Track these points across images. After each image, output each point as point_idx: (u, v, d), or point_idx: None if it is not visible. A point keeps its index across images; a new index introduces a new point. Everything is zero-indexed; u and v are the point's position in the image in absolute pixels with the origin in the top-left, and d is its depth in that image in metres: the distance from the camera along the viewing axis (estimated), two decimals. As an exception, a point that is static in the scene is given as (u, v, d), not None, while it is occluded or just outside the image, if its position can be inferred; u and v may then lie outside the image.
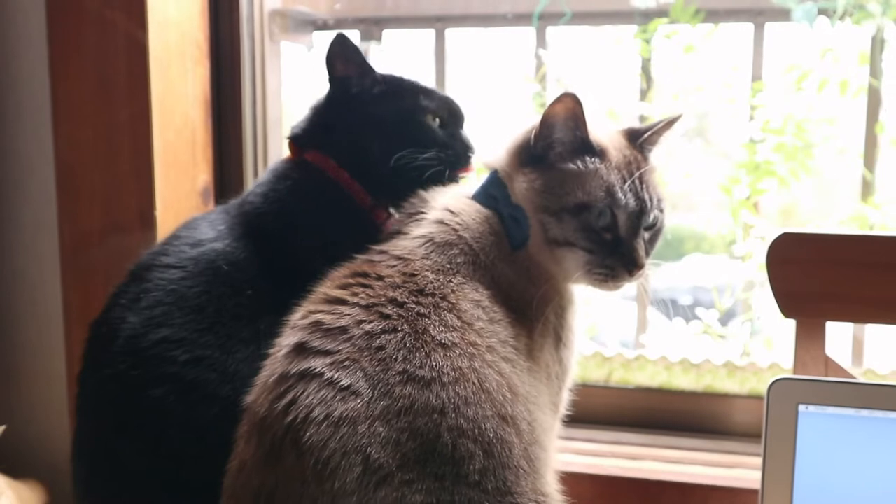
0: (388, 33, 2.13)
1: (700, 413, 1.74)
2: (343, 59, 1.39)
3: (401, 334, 1.06)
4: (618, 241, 1.22)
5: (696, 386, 1.77)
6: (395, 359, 1.04)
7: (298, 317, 1.13)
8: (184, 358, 1.18)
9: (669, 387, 1.77)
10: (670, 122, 1.31)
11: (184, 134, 1.73)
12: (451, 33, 2.09)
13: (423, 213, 1.25)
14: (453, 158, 1.36)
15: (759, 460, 1.59)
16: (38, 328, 1.82)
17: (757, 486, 1.48)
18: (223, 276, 1.25)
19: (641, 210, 1.23)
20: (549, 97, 2.06)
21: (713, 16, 1.99)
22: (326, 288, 1.15)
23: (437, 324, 1.08)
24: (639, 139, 1.30)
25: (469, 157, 1.38)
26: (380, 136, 1.36)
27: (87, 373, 1.26)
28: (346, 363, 1.04)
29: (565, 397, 1.26)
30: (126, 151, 1.67)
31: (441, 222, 1.22)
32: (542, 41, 2.06)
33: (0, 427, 1.56)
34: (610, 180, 1.22)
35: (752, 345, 2.02)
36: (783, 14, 1.93)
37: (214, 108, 1.83)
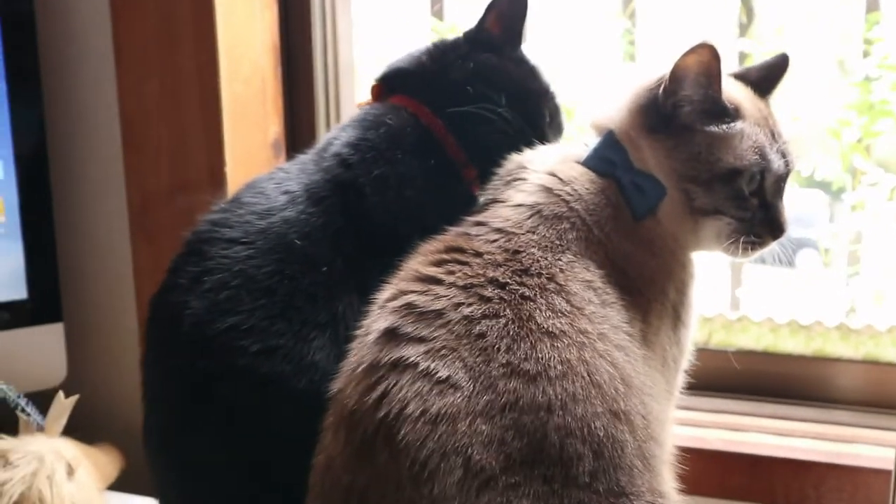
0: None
1: (810, 379, 1.59)
2: (500, 17, 1.27)
3: (503, 320, 0.94)
4: (765, 205, 1.09)
5: (806, 349, 1.62)
6: (498, 348, 0.92)
7: (387, 296, 1.01)
8: (255, 348, 1.05)
9: (775, 350, 1.63)
10: (784, 65, 1.17)
11: (253, 83, 1.61)
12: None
13: (523, 178, 1.11)
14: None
15: (877, 434, 1.48)
16: (108, 289, 1.74)
17: (879, 464, 1.36)
18: (296, 253, 1.11)
19: (788, 171, 1.10)
20: (639, 34, 1.89)
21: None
22: (418, 264, 1.03)
23: (543, 308, 0.95)
24: (765, 88, 1.15)
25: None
26: (494, 99, 1.23)
27: (150, 360, 1.15)
28: (443, 352, 0.92)
29: (681, 381, 1.12)
30: (193, 104, 1.55)
31: (549, 191, 1.07)
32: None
33: (72, 397, 1.48)
34: (759, 141, 1.08)
35: (859, 301, 1.86)
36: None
37: (284, 54, 1.70)
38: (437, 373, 0.90)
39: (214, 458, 1.08)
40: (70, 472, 1.42)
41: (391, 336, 0.96)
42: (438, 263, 1.01)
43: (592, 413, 0.90)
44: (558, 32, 1.92)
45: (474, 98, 1.23)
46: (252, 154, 1.61)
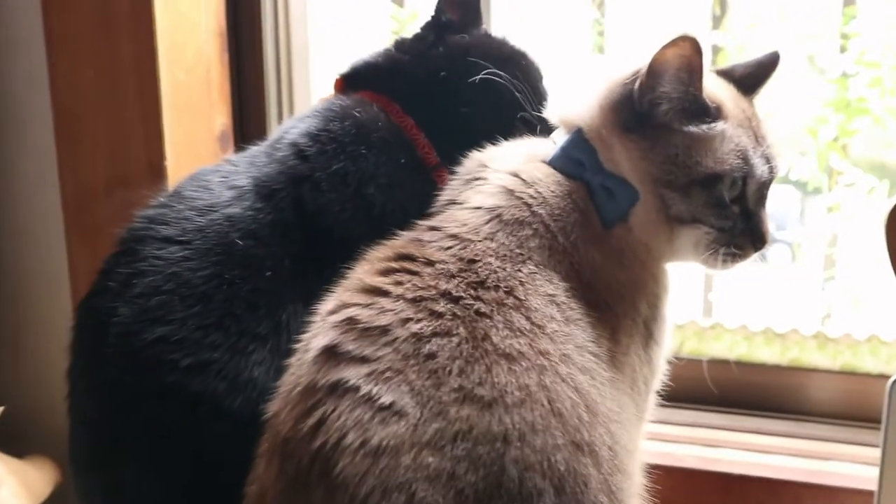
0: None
1: (785, 390, 1.51)
2: (455, 2, 1.20)
3: (456, 339, 0.84)
4: (747, 214, 1.00)
5: (781, 359, 1.54)
6: (449, 371, 0.82)
7: (329, 308, 0.90)
8: (186, 363, 0.95)
9: (750, 359, 1.54)
10: (773, 63, 1.07)
11: (197, 72, 1.50)
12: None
13: (483, 177, 1.00)
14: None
15: (856, 449, 1.40)
16: (43, 291, 1.62)
17: (859, 483, 1.29)
18: (238, 254, 1.00)
19: (772, 177, 1.01)
20: (609, 25, 1.80)
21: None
22: (363, 273, 0.92)
23: (500, 327, 0.85)
24: (750, 87, 1.05)
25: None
26: (468, 96, 1.15)
27: (75, 373, 1.04)
28: (387, 374, 0.82)
29: (652, 403, 1.03)
30: (131, 93, 1.43)
31: (510, 193, 0.97)
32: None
33: (-3, 408, 1.37)
34: (742, 144, 0.98)
35: (835, 306, 1.78)
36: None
37: (231, 41, 1.58)
38: (379, 398, 0.80)
39: (142, 483, 0.97)
40: (-8, 491, 1.31)
41: (330, 355, 0.85)
42: (386, 273, 0.91)
43: (553, 445, 0.81)
44: (523, 21, 1.82)
45: (459, 80, 1.14)
46: (196, 146, 1.49)
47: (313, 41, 1.67)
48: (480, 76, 1.12)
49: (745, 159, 0.98)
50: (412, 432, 0.79)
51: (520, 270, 0.91)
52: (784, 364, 1.53)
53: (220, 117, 1.55)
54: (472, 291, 0.87)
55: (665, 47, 0.94)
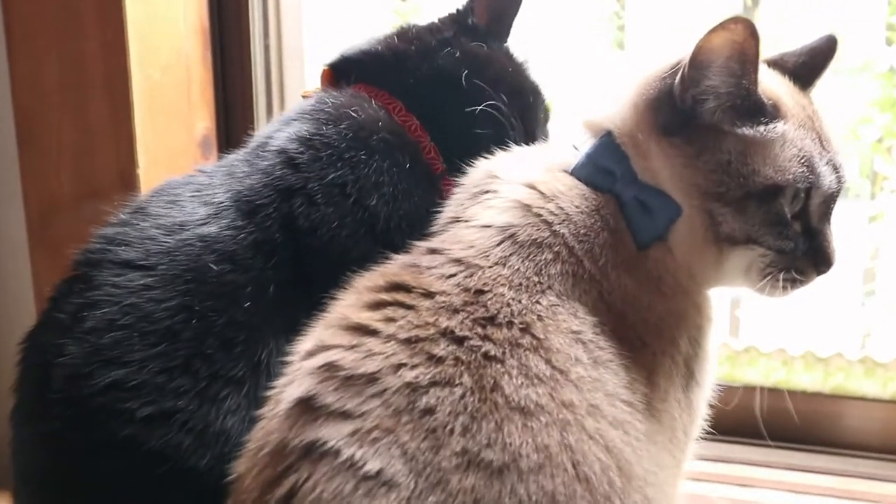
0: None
1: (828, 420, 1.34)
2: (491, 7, 1.05)
3: (459, 390, 0.68)
4: (810, 232, 0.83)
5: (823, 386, 1.37)
6: (451, 430, 0.66)
7: (306, 349, 0.74)
8: (144, 413, 0.79)
9: (788, 386, 1.37)
10: (831, 49, 0.90)
11: (174, 71, 1.34)
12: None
13: (493, 190, 0.84)
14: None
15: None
16: (4, 309, 1.46)
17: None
18: (212, 282, 0.84)
19: (839, 187, 0.84)
20: (630, 18, 1.63)
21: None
22: (348, 307, 0.76)
23: (514, 374, 0.69)
24: (807, 79, 0.88)
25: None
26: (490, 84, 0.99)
27: (18, 419, 0.87)
28: (374, 434, 0.66)
29: (691, 454, 0.86)
30: (98, 93, 1.28)
31: (526, 208, 0.80)
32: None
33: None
34: (806, 149, 0.81)
35: (876, 324, 1.61)
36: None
37: (215, 38, 1.42)
38: (364, 464, 0.65)
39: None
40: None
41: (306, 408, 0.69)
42: (375, 306, 0.75)
43: (580, 519, 0.65)
44: (537, 15, 1.66)
45: (467, 91, 0.98)
46: (174, 153, 1.34)
47: (308, 37, 1.51)
48: (480, 108, 0.97)
49: (811, 167, 0.81)
50: (405, 509, 0.63)
51: (538, 303, 0.75)
52: (827, 392, 1.36)
53: (202, 121, 1.40)
54: (479, 330, 0.71)
55: (712, 32, 0.78)
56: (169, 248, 0.86)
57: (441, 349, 0.70)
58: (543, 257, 0.77)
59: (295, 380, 0.72)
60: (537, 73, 1.04)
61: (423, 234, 0.85)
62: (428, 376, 0.68)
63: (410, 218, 0.90)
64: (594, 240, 0.79)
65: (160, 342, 0.81)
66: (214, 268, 0.85)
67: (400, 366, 0.69)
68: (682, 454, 0.82)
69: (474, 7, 1.04)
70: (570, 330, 0.74)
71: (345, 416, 0.67)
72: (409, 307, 0.73)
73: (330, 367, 0.70)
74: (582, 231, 0.79)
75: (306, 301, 0.82)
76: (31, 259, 1.36)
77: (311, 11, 1.53)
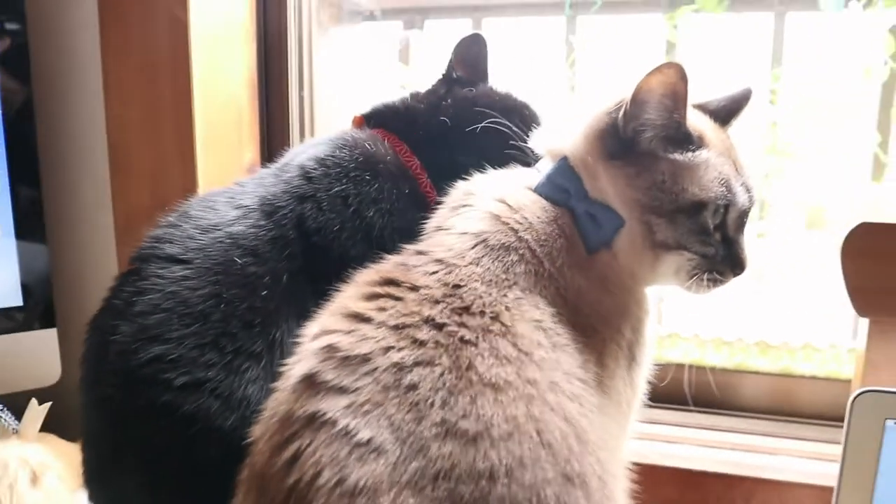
0: (429, 23, 1.59)
1: (731, 390, 1.23)
2: (463, 60, 0.92)
3: (439, 369, 0.57)
4: (727, 241, 0.72)
5: (728, 363, 1.25)
6: (432, 403, 0.55)
7: (313, 333, 0.63)
8: (180, 382, 0.68)
9: (702, 364, 1.25)
10: (746, 98, 0.79)
11: (228, 112, 1.23)
12: (488, 22, 1.56)
13: (469, 204, 0.73)
14: None
15: (791, 443, 1.12)
16: (99, 297, 1.34)
17: (807, 478, 1.01)
18: (236, 273, 0.73)
19: (751, 205, 0.73)
20: (578, 82, 1.52)
21: (737, 4, 1.44)
22: (348, 298, 0.65)
23: (486, 355, 0.58)
24: (725, 119, 0.77)
25: None
26: (471, 145, 0.86)
27: (83, 387, 0.76)
28: (366, 407, 0.55)
29: (633, 423, 0.75)
30: (170, 130, 1.16)
31: (496, 219, 0.70)
32: (572, 29, 1.51)
33: (45, 404, 1.10)
34: (725, 172, 0.71)
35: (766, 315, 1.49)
36: (806, 4, 1.37)
37: (262, 89, 1.31)
38: (357, 433, 0.53)
39: (137, 501, 0.70)
40: (34, 479, 1.04)
41: (309, 383, 0.58)
42: (370, 297, 0.63)
43: (543, 479, 0.54)
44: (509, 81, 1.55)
45: (454, 130, 0.87)
46: (226, 176, 1.22)
47: (333, 91, 1.40)
48: (483, 123, 0.85)
49: (728, 187, 0.71)
50: (391, 471, 0.52)
51: (506, 295, 0.63)
52: (730, 367, 1.24)
53: (249, 152, 1.28)
54: (456, 318, 0.60)
55: (649, 75, 0.67)
56: (203, 245, 0.75)
57: (424, 334, 0.59)
58: (510, 258, 0.66)
59: (302, 359, 0.61)
60: (523, 94, 0.93)
61: (413, 242, 0.73)
62: (412, 357, 0.57)
63: (402, 231, 0.78)
64: (552, 244, 0.68)
65: (194, 323, 0.70)
66: (239, 261, 0.74)
67: (389, 348, 0.58)
68: (627, 422, 0.71)
69: (454, 64, 0.92)
70: (532, 319, 0.63)
71: (341, 391, 0.56)
72: (398, 299, 0.62)
73: (330, 349, 0.59)
74: (542, 237, 0.68)
75: (314, 291, 0.71)
76: (118, 256, 1.25)
77: (336, 72, 1.43)
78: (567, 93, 1.45)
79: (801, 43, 1.43)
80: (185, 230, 0.77)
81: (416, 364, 0.56)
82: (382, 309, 0.61)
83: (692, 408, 1.18)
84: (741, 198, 0.71)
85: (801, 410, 1.19)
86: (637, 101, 0.68)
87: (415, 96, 0.94)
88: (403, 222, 0.80)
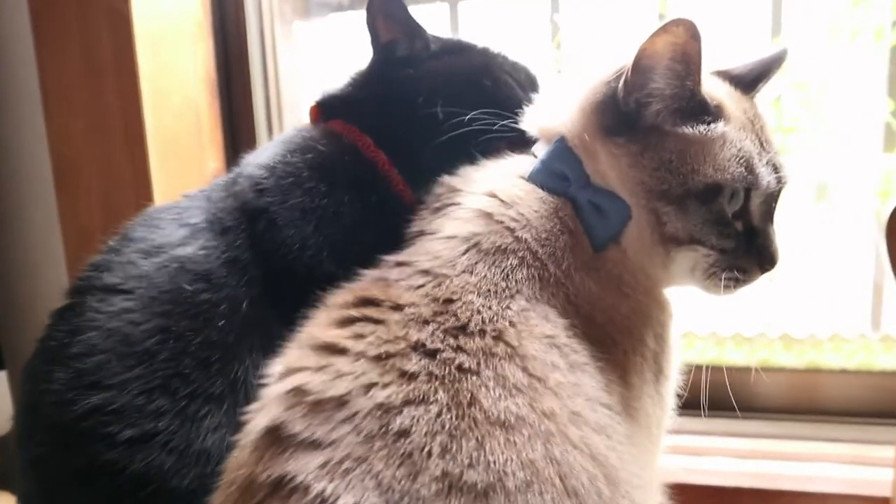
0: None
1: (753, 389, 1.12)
2: (386, 19, 0.75)
3: (435, 408, 0.46)
4: (751, 231, 0.60)
5: (750, 360, 1.15)
6: (429, 452, 0.44)
7: (275, 373, 0.52)
8: (125, 435, 0.57)
9: (720, 363, 1.15)
10: (780, 60, 0.68)
11: (185, 117, 1.11)
12: (464, 7, 1.45)
13: (455, 202, 0.62)
14: None
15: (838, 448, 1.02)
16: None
17: (853, 488, 0.91)
18: (187, 302, 0.62)
19: (780, 187, 0.61)
20: (565, 62, 1.42)
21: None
22: (317, 326, 0.54)
23: (491, 385, 0.47)
24: (750, 85, 0.66)
25: None
26: (442, 97, 0.71)
27: (17, 444, 0.64)
28: (346, 465, 0.44)
29: (664, 443, 0.64)
30: (119, 139, 1.05)
31: (488, 217, 0.58)
32: (556, 7, 1.40)
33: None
34: (746, 149, 0.59)
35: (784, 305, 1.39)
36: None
37: (222, 89, 1.19)
38: (336, 500, 0.42)
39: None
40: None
41: (274, 438, 0.47)
42: (344, 323, 0.52)
43: (570, 537, 0.43)
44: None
45: (417, 121, 0.73)
46: (188, 188, 1.09)
47: (304, 86, 1.29)
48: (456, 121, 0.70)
49: (750, 167, 0.59)
50: (382, 545, 0.41)
51: (508, 308, 0.53)
52: (752, 366, 1.14)
53: (212, 161, 1.17)
54: (451, 340, 0.49)
55: (655, 35, 0.56)
56: (146, 272, 0.63)
57: (413, 364, 0.48)
58: (509, 263, 0.55)
59: (264, 406, 0.50)
60: (477, 42, 0.78)
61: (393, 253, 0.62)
62: (401, 395, 0.46)
63: (376, 247, 0.66)
64: (555, 243, 0.58)
65: (138, 364, 0.59)
66: (189, 288, 0.62)
67: (370, 385, 0.47)
68: (658, 447, 0.60)
69: (376, 32, 0.76)
70: (543, 335, 0.52)
71: (314, 445, 0.45)
72: (378, 321, 0.51)
73: (297, 392, 0.48)
74: (543, 235, 0.58)
75: (280, 319, 0.60)
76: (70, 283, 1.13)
77: (307, 64, 1.31)
78: (554, 76, 1.35)
79: (801, 8, 1.33)
80: (125, 255, 0.65)
81: (406, 403, 0.46)
82: (360, 336, 0.50)
83: (716, 413, 1.08)
84: (766, 179, 0.60)
85: (833, 408, 1.09)
86: (640, 67, 0.58)
87: (361, 76, 0.79)
88: (376, 237, 0.67)
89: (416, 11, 1.40)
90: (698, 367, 1.01)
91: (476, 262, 0.55)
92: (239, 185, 0.70)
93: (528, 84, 0.74)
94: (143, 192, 1.05)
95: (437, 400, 0.46)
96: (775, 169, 0.62)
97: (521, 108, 0.68)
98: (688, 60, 0.57)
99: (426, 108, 0.71)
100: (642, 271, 0.60)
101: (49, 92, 1.07)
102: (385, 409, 0.45)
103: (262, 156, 0.73)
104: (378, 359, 0.48)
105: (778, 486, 0.92)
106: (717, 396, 1.06)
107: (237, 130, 1.21)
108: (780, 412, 1.10)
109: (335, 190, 0.70)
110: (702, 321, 1.20)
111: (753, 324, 1.17)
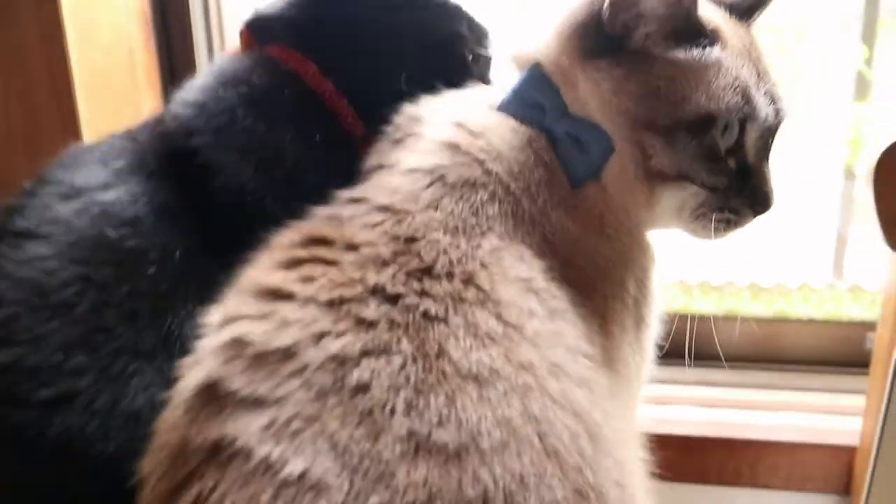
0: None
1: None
2: None
3: (398, 359, 0.40)
4: (745, 169, 0.55)
5: (718, 310, 1.13)
6: (392, 410, 0.38)
7: (212, 323, 0.46)
8: (41, 396, 0.50)
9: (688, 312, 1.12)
10: None
11: (117, 53, 1.01)
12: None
13: (416, 133, 0.55)
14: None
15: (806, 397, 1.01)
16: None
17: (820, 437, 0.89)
18: (111, 248, 0.55)
19: (778, 121, 0.56)
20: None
21: None
22: (260, 269, 0.47)
23: (461, 334, 0.41)
24: (746, 12, 0.60)
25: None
26: (396, 57, 0.65)
27: None
28: (294, 425, 0.38)
29: (643, 394, 0.60)
30: (41, 79, 0.93)
31: (454, 147, 0.52)
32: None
33: None
34: (742, 77, 0.54)
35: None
36: None
37: (158, 20, 1.09)
38: (284, 466, 0.37)
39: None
40: None
41: (210, 396, 0.40)
42: (290, 265, 0.46)
43: (551, 501, 0.38)
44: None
45: (373, 56, 0.65)
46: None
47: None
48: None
49: (747, 97, 0.54)
50: (339, 516, 0.35)
51: (479, 247, 0.47)
52: (720, 314, 1.11)
53: (149, 102, 1.07)
54: (415, 284, 0.44)
55: None
56: (66, 217, 0.56)
57: (372, 311, 0.42)
58: (478, 197, 0.49)
59: (199, 361, 0.43)
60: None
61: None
62: (358, 345, 0.40)
63: (323, 187, 0.59)
64: (529, 177, 0.52)
65: (55, 317, 0.51)
66: (112, 233, 0.55)
67: (322, 335, 0.41)
68: (637, 399, 0.56)
69: None
70: (518, 277, 0.46)
71: (257, 403, 0.39)
72: (331, 263, 0.45)
73: (237, 344, 0.42)
74: (516, 168, 0.52)
75: (221, 267, 0.53)
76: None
77: None
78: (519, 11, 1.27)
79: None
80: (41, 197, 0.58)
81: (365, 354, 0.40)
82: (308, 279, 0.44)
83: (682, 361, 1.05)
84: (764, 111, 0.55)
85: (801, 358, 1.08)
86: None
87: None
88: (318, 177, 0.59)
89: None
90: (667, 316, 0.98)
91: (441, 197, 0.49)
92: (166, 126, 0.62)
93: (483, 62, 0.67)
94: (70, 134, 0.95)
95: (400, 350, 0.40)
96: (773, 100, 0.57)
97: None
98: None
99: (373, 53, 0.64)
100: (624, 211, 0.55)
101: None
102: (340, 362, 0.39)
103: (191, 91, 0.64)
104: (330, 304, 0.42)
105: (745, 436, 0.90)
106: (683, 345, 1.04)
107: (176, 67, 1.11)
108: (747, 361, 1.08)
109: (275, 127, 0.62)
110: (670, 268, 1.17)
111: (721, 272, 1.14)
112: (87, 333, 0.52)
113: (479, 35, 0.68)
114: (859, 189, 1.17)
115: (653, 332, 0.58)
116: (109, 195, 0.57)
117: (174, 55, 1.11)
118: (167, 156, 0.61)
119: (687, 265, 1.17)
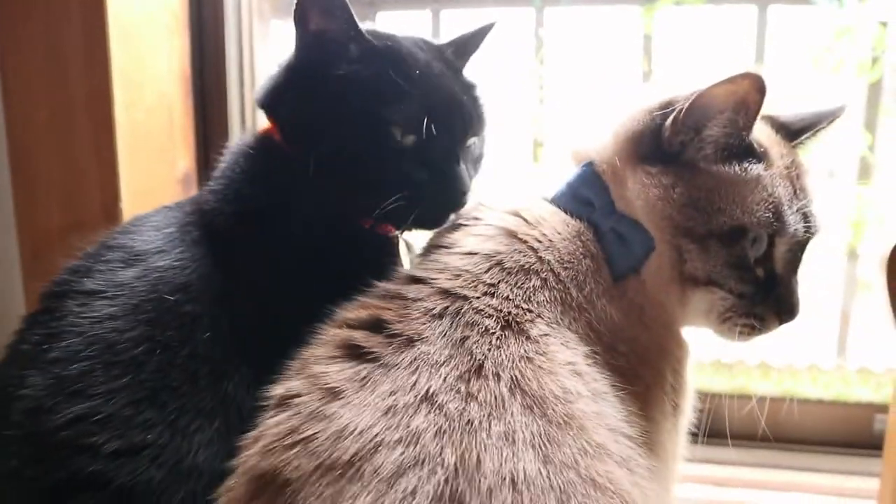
0: (381, 16, 1.46)
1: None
2: (320, 9, 0.65)
3: (441, 472, 0.43)
4: (773, 279, 0.59)
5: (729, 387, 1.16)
6: None
7: (275, 398, 0.49)
8: (112, 447, 0.53)
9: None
10: (835, 116, 0.65)
11: (158, 113, 1.06)
12: (447, 14, 1.43)
13: (476, 217, 0.59)
14: (431, 196, 0.62)
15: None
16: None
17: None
18: (170, 311, 0.58)
19: (808, 236, 0.60)
20: (547, 77, 1.41)
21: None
22: (322, 349, 0.50)
23: (501, 444, 0.44)
24: (796, 135, 0.64)
25: (459, 198, 0.63)
26: (337, 131, 0.64)
27: None
28: None
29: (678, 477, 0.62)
30: (86, 134, 0.99)
31: (511, 235, 0.56)
32: (541, 21, 1.40)
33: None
34: (777, 195, 0.58)
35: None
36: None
37: (196, 86, 1.15)
38: None
39: None
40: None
41: (273, 488, 0.43)
42: (348, 356, 0.49)
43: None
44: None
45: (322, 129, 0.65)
46: (156, 189, 1.06)
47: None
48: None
49: (777, 213, 0.58)
50: None
51: (528, 338, 0.50)
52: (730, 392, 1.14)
53: (183, 160, 1.12)
54: (463, 387, 0.46)
55: (721, 84, 0.55)
56: (129, 280, 0.60)
57: (422, 419, 0.45)
58: (531, 284, 0.53)
59: (260, 438, 0.46)
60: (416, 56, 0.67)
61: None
62: (409, 455, 0.43)
63: (336, 251, 0.63)
64: (578, 267, 0.56)
65: (125, 374, 0.55)
66: (170, 298, 0.59)
67: (378, 446, 0.44)
68: (673, 483, 0.59)
69: (307, 19, 0.66)
70: (565, 361, 0.50)
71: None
72: (387, 367, 0.48)
73: (299, 441, 0.45)
74: (566, 258, 0.56)
75: (267, 334, 0.57)
76: (26, 291, 1.06)
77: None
78: (537, 90, 1.34)
79: (784, 38, 1.36)
80: (106, 261, 0.62)
81: (413, 465, 0.42)
82: (364, 381, 0.46)
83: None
84: (793, 227, 0.59)
85: (809, 437, 1.10)
86: (696, 112, 0.56)
87: (281, 73, 0.69)
88: (336, 270, 0.62)
89: (394, 18, 1.35)
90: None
91: (498, 282, 0.52)
92: (202, 200, 0.68)
93: (444, 125, 0.64)
94: (108, 191, 0.99)
95: (442, 462, 0.43)
96: (805, 218, 0.60)
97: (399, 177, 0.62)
98: (747, 112, 0.56)
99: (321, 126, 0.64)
100: (661, 305, 0.59)
101: (9, 79, 1.01)
102: (393, 473, 0.42)
103: (222, 165, 0.70)
104: (385, 412, 0.45)
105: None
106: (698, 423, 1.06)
107: (210, 129, 1.17)
108: (755, 440, 1.10)
109: (274, 198, 0.65)
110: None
111: (732, 350, 1.18)
112: (154, 390, 0.55)
113: (433, 99, 0.64)
114: (862, 269, 1.22)
115: (686, 419, 0.61)
116: (165, 261, 0.61)
117: (209, 117, 1.17)
118: (203, 229, 0.65)
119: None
